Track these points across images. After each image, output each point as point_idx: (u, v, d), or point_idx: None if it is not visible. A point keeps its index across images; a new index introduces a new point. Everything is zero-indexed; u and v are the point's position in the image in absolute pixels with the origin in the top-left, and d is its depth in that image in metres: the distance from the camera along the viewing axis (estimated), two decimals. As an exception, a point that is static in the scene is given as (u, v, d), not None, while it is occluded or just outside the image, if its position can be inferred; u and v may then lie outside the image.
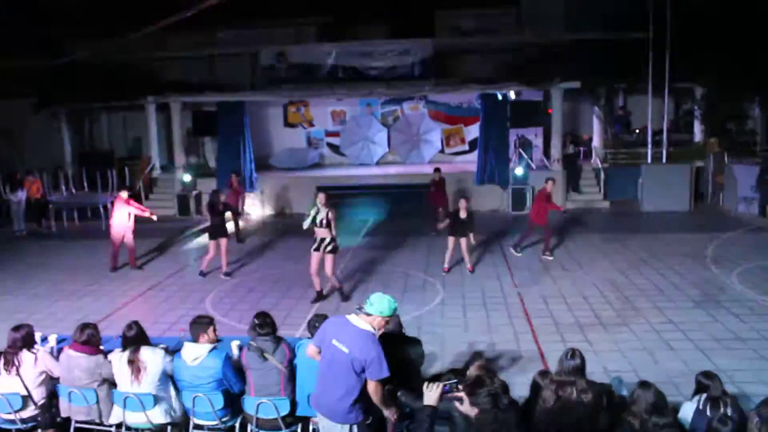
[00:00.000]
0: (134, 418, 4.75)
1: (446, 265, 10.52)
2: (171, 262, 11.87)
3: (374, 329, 4.00)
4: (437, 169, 14.03)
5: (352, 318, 4.05)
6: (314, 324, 4.86)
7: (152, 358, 4.72)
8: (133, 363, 4.65)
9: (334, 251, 8.91)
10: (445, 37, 19.44)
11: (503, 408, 3.14)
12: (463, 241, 10.34)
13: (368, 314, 3.99)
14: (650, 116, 16.66)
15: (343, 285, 9.51)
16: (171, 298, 9.62)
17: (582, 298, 8.94)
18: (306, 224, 8.82)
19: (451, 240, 10.39)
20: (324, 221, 8.75)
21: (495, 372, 3.97)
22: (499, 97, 16.42)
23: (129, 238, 11.15)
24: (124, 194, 11.19)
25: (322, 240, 8.87)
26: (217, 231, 10.52)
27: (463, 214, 10.20)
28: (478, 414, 3.19)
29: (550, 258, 11.20)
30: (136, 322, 4.87)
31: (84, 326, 4.89)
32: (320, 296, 9.23)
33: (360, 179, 17.30)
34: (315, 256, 8.94)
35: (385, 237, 13.32)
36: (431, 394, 3.42)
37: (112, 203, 11.86)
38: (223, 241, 10.52)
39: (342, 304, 9.04)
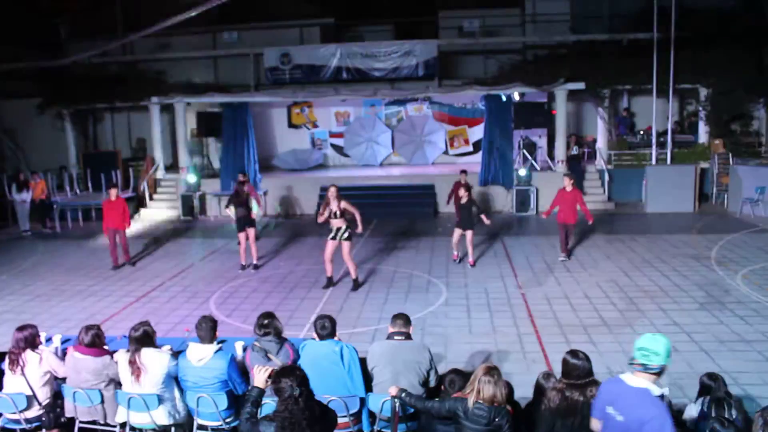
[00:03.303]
0: (138, 419, 4.75)
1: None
2: (175, 262, 11.89)
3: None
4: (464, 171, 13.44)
5: (626, 377, 3.49)
6: (322, 325, 4.79)
7: (157, 359, 4.71)
8: (133, 363, 4.63)
9: (349, 239, 9.39)
10: (449, 38, 19.46)
11: (299, 398, 3.23)
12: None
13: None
14: (654, 117, 16.65)
15: (359, 275, 9.83)
16: (174, 299, 9.63)
17: (586, 299, 8.91)
18: (321, 218, 9.34)
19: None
20: (338, 212, 9.20)
21: (500, 372, 3.96)
22: (503, 98, 16.41)
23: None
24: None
25: (338, 229, 9.34)
26: (243, 222, 10.80)
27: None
28: (278, 405, 3.31)
29: (568, 260, 11.13)
30: (144, 323, 4.85)
31: (88, 328, 4.89)
32: (330, 282, 9.74)
33: (363, 180, 17.33)
34: (330, 244, 9.45)
35: (389, 238, 13.33)
36: (259, 377, 3.68)
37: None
38: (251, 231, 10.87)
39: (351, 294, 9.41)
